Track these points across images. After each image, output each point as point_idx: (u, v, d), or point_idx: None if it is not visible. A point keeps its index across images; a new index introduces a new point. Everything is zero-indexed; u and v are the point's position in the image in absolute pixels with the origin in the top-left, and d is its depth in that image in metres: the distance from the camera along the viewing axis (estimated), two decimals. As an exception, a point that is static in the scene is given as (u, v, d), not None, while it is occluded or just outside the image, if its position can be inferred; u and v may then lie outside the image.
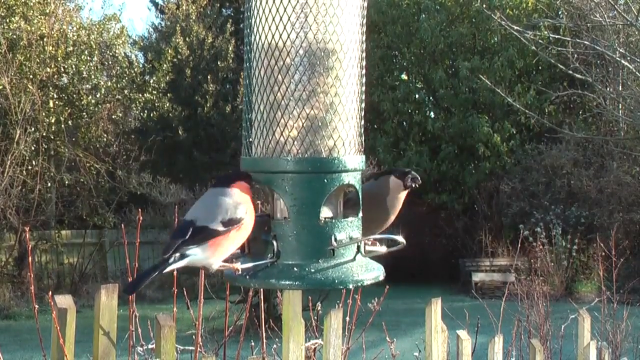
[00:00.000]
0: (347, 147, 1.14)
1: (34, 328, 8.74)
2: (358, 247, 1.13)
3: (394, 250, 1.17)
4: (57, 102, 12.57)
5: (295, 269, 1.09)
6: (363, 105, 1.19)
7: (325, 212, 1.15)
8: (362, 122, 1.19)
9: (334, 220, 1.13)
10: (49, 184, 12.75)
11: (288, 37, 1.11)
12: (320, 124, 1.12)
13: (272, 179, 1.13)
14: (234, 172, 1.20)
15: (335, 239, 1.10)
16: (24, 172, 12.11)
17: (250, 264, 1.14)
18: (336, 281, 1.09)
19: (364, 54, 1.18)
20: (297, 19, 1.10)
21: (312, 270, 1.09)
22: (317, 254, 1.10)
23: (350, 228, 1.13)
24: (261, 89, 1.14)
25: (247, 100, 1.18)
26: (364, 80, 1.18)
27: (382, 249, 1.18)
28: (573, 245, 12.57)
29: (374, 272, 1.13)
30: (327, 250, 1.10)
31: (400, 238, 1.14)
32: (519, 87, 14.41)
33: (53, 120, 12.41)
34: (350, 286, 1.10)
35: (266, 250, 1.11)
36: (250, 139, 1.17)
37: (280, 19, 1.11)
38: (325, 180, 1.11)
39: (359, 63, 1.16)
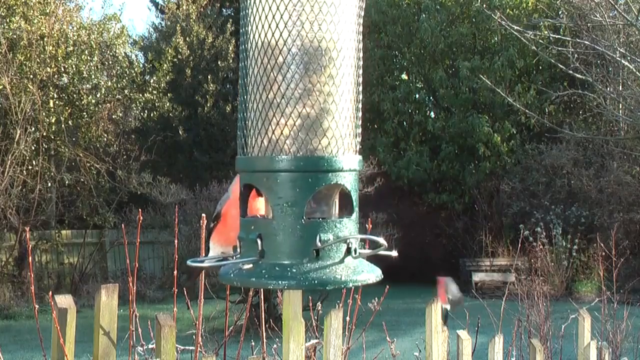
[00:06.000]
0: (338, 147, 1.13)
1: (34, 328, 8.72)
2: (349, 249, 1.12)
3: (387, 254, 1.16)
4: (57, 102, 12.57)
5: (277, 268, 1.09)
6: (360, 105, 1.18)
7: (317, 212, 1.14)
8: (360, 122, 1.19)
9: (319, 220, 1.12)
10: (49, 184, 12.75)
11: (281, 35, 1.11)
12: (312, 122, 1.12)
13: (258, 177, 1.13)
14: None
15: (320, 240, 1.10)
16: (24, 172, 12.11)
17: (232, 262, 1.15)
18: (316, 282, 1.08)
19: (360, 53, 1.18)
20: (291, 17, 1.10)
21: (294, 271, 1.08)
22: (300, 254, 1.09)
23: (338, 229, 1.12)
24: (254, 87, 1.14)
25: (242, 100, 1.18)
26: (360, 80, 1.18)
27: (374, 251, 1.16)
28: (573, 245, 12.58)
29: (363, 275, 1.11)
30: (310, 251, 1.10)
31: (381, 240, 1.12)
32: (519, 87, 14.42)
33: (53, 120, 12.42)
34: (330, 288, 1.09)
35: (253, 250, 1.12)
36: (243, 138, 1.17)
37: (274, 17, 1.11)
38: (310, 180, 1.10)
39: (355, 62, 1.16)
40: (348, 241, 1.11)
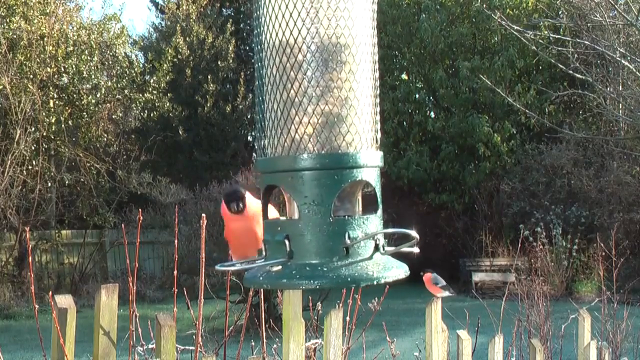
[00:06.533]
0: (361, 143, 1.13)
1: (34, 328, 8.72)
2: (377, 246, 1.12)
3: (409, 251, 1.15)
4: (57, 102, 12.57)
5: (307, 268, 1.08)
6: (378, 100, 1.18)
7: (341, 210, 1.14)
8: (378, 117, 1.18)
9: (347, 218, 1.12)
10: (49, 184, 12.75)
11: (299, 33, 1.10)
12: (335, 119, 1.11)
13: (281, 178, 1.13)
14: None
15: (349, 237, 1.10)
16: (24, 172, 12.11)
17: (258, 264, 1.14)
18: (349, 279, 1.08)
19: (376, 48, 1.18)
20: (309, 14, 1.10)
21: (325, 269, 1.08)
22: (330, 252, 1.09)
23: (365, 225, 1.12)
24: (273, 87, 1.14)
25: (259, 100, 1.17)
26: (377, 75, 1.18)
27: (404, 248, 1.16)
28: (573, 245, 12.57)
29: (392, 271, 1.11)
30: (340, 249, 1.09)
31: (413, 233, 1.13)
32: (519, 87, 14.41)
33: (53, 120, 12.42)
34: (364, 284, 1.10)
35: (280, 251, 1.11)
36: (263, 140, 1.17)
37: (291, 16, 1.10)
38: (336, 177, 1.10)
39: (372, 58, 1.16)
40: (376, 237, 1.12)
